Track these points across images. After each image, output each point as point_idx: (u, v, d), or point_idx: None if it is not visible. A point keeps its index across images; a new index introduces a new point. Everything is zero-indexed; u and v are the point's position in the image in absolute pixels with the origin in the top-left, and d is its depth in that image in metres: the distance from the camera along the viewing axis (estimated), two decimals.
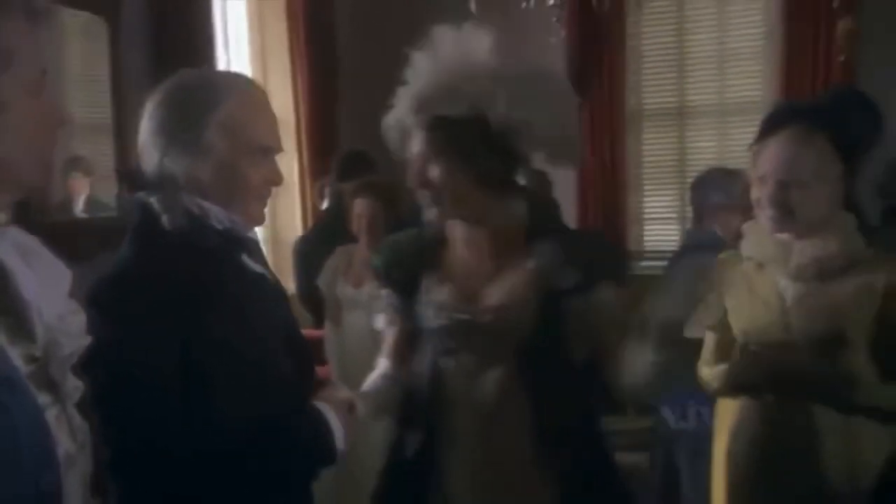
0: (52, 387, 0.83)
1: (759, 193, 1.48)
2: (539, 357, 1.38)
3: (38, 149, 0.86)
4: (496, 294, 1.40)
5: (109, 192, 3.05)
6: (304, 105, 4.21)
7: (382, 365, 1.51)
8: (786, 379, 1.47)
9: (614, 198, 4.58)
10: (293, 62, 4.23)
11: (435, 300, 1.43)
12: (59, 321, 0.85)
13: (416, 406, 1.44)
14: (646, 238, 4.72)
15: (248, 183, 1.17)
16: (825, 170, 1.43)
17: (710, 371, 1.61)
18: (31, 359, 0.81)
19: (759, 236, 1.54)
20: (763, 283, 1.53)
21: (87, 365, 0.91)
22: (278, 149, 1.21)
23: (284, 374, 1.20)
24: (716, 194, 2.50)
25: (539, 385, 1.38)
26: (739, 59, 4.42)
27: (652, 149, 4.69)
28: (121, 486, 1.01)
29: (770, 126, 1.51)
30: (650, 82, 4.60)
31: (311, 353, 1.33)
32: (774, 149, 1.47)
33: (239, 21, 4.16)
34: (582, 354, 1.42)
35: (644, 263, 4.61)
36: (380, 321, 1.56)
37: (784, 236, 1.50)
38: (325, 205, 3.54)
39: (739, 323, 1.56)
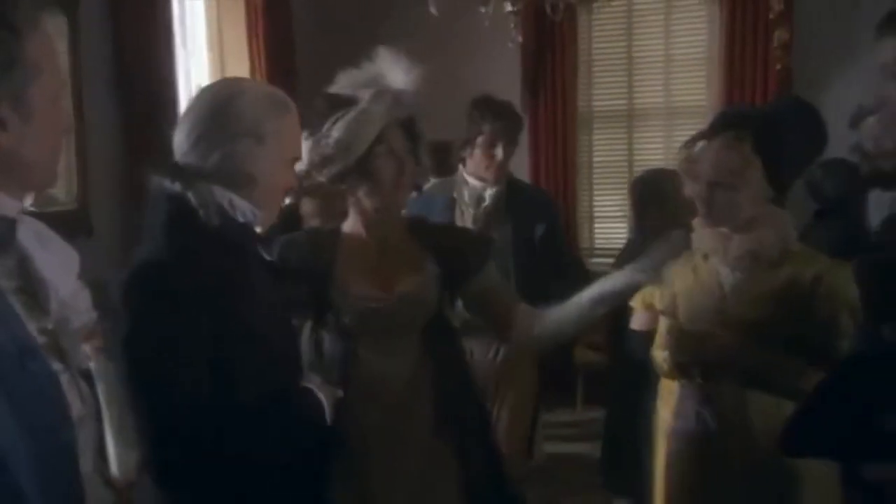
0: (63, 356, 0.93)
1: (692, 192, 1.63)
2: (442, 332, 1.61)
3: (51, 150, 0.94)
4: (405, 282, 1.58)
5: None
6: None
7: None
8: (713, 360, 1.62)
9: (566, 196, 4.75)
10: (252, 63, 4.25)
11: (349, 291, 1.57)
12: (71, 298, 0.94)
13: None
14: (596, 236, 4.90)
15: (282, 184, 1.33)
16: (750, 174, 1.58)
17: (661, 353, 1.74)
18: (44, 331, 0.90)
19: (704, 230, 1.68)
20: (707, 273, 1.68)
21: (128, 342, 0.98)
22: (300, 157, 1.40)
23: (291, 353, 1.34)
24: (659, 193, 2.66)
25: (442, 357, 1.59)
26: (684, 65, 4.64)
27: (602, 150, 4.88)
28: (156, 456, 1.08)
29: (711, 131, 1.65)
30: (600, 86, 4.78)
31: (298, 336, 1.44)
32: (707, 153, 1.62)
33: (197, 21, 4.16)
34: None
35: (594, 260, 4.80)
36: None
37: (724, 230, 1.64)
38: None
39: (684, 308, 1.70)
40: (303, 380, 1.35)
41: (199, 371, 1.12)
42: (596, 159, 4.88)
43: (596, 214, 4.91)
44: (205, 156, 1.24)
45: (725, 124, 1.64)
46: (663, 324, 1.77)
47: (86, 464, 0.94)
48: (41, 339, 0.89)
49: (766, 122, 1.65)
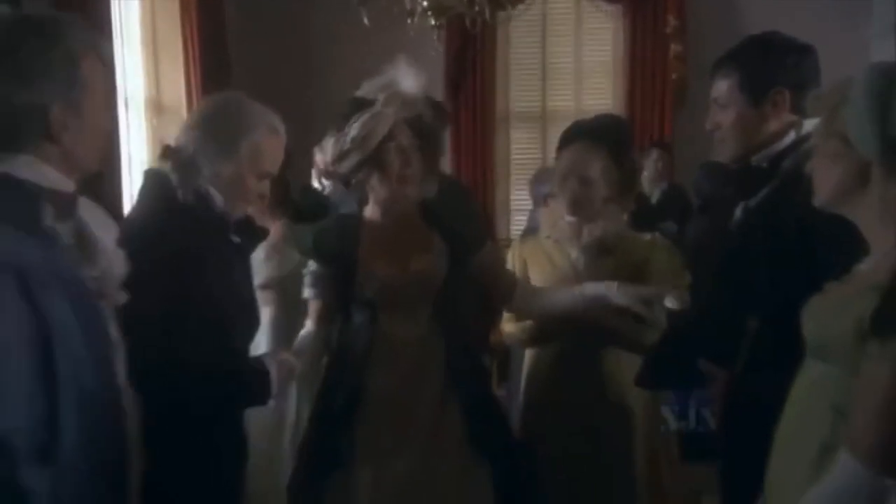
0: (104, 297, 1.21)
1: (558, 187, 2.00)
2: (450, 303, 1.83)
3: (98, 146, 1.21)
4: (418, 260, 1.78)
5: None
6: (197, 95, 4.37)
7: (309, 326, 1.88)
8: (578, 326, 1.95)
9: (485, 191, 5.12)
10: (186, 59, 4.39)
11: (373, 270, 1.79)
12: (112, 255, 1.22)
13: (349, 349, 1.82)
14: (513, 227, 5.30)
15: (248, 192, 1.57)
16: (605, 171, 1.94)
17: (514, 326, 2.08)
18: (93, 278, 1.18)
19: (557, 220, 2.05)
20: (560, 256, 2.04)
21: None
22: (274, 174, 1.62)
23: (246, 323, 1.59)
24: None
25: (450, 321, 1.83)
26: (592, 72, 5.09)
27: (518, 148, 5.27)
28: (135, 384, 1.31)
29: (568, 139, 2.02)
30: (517, 89, 5.18)
31: (259, 313, 1.69)
32: (569, 154, 1.97)
33: (132, 17, 4.27)
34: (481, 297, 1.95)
35: None
36: (307, 291, 1.91)
37: (573, 220, 2.00)
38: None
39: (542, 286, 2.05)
40: (268, 349, 1.61)
41: (159, 316, 1.36)
42: (513, 156, 5.28)
43: (513, 207, 5.31)
44: (187, 145, 1.51)
45: (581, 133, 2.00)
46: None
47: (120, 377, 1.23)
48: (91, 285, 1.17)
49: (619, 134, 2.03)
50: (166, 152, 1.53)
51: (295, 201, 2.88)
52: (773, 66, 1.66)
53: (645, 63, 4.81)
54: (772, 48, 1.69)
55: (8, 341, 0.99)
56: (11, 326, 1.00)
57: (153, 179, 1.54)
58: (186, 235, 1.44)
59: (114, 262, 1.22)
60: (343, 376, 1.81)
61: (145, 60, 4.40)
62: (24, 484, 0.99)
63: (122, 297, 1.24)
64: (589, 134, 1.97)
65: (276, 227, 2.44)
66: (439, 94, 4.86)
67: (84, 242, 1.17)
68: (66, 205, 1.16)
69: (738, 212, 1.71)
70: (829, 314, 1.17)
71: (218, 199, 1.52)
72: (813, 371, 1.22)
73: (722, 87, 1.68)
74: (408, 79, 1.77)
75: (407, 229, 1.84)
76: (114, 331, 1.22)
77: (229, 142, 1.51)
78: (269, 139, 1.57)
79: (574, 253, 2.02)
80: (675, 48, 4.70)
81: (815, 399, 1.19)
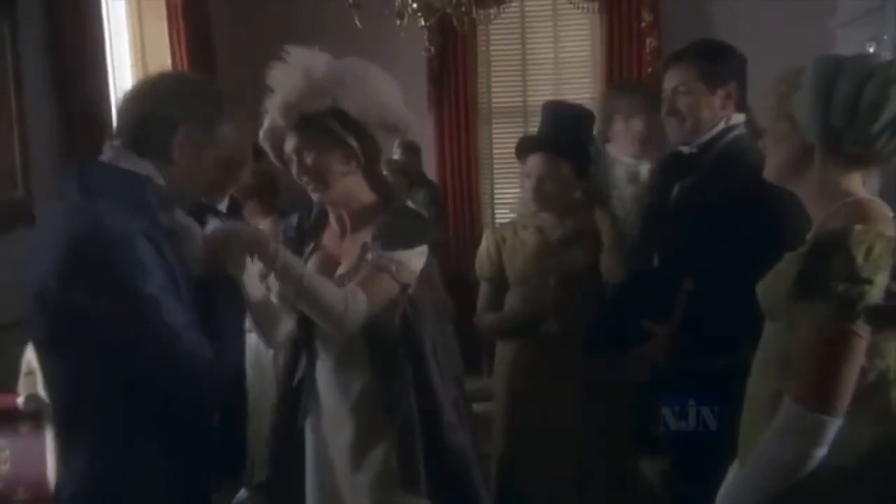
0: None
1: (527, 184, 2.29)
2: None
3: (199, 188, 1.57)
4: (343, 266, 1.78)
5: (6, 179, 3.18)
6: None
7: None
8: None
9: (469, 185, 5.25)
10: (173, 57, 4.45)
11: (309, 266, 1.81)
12: (188, 229, 1.48)
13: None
14: (497, 221, 5.42)
15: None
16: (562, 175, 2.24)
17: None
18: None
19: (528, 211, 2.33)
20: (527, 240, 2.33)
21: None
22: None
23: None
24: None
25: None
26: (571, 66, 5.23)
27: (500, 142, 5.39)
28: None
29: (526, 148, 2.33)
30: (498, 84, 5.30)
31: None
32: (533, 160, 2.27)
33: (119, 14, 4.31)
34: None
35: None
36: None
37: (544, 214, 2.29)
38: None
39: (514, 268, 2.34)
40: None
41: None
42: (496, 151, 5.39)
43: (496, 202, 5.44)
44: None
45: (539, 144, 2.30)
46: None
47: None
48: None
49: (569, 143, 2.25)
50: None
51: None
52: (726, 63, 1.98)
53: (622, 57, 4.95)
54: (724, 49, 2.02)
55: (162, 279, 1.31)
56: (161, 271, 1.31)
57: None
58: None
59: (189, 235, 1.48)
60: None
61: (133, 60, 4.45)
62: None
63: (197, 266, 1.47)
64: (548, 144, 2.30)
65: (264, 224, 2.58)
66: (422, 92, 4.98)
67: (177, 228, 1.44)
68: (169, 199, 1.42)
69: (675, 189, 2.00)
70: (772, 280, 1.32)
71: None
72: (768, 331, 1.36)
73: (683, 75, 1.96)
74: (277, 89, 1.70)
75: (354, 229, 1.80)
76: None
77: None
78: None
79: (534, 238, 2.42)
80: (650, 42, 4.85)
81: (769, 354, 1.34)
